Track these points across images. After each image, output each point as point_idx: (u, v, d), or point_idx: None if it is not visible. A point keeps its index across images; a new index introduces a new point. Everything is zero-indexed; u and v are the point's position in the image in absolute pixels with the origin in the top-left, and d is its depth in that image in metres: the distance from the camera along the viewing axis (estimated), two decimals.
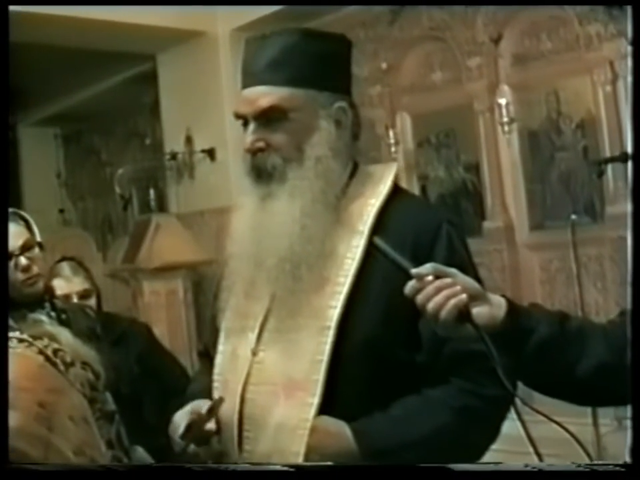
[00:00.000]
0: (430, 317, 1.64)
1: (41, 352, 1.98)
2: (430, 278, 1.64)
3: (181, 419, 2.08)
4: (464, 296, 1.63)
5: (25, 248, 2.81)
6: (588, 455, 1.65)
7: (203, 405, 2.07)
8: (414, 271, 1.65)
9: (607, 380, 1.70)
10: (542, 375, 1.72)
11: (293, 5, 5.71)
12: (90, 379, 2.06)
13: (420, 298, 1.64)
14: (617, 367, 1.68)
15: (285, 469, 1.44)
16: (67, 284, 3.54)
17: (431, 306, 1.63)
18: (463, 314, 1.63)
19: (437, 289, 1.63)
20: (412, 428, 1.97)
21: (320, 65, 2.09)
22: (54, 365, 1.98)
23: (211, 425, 2.02)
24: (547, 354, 1.68)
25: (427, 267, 1.66)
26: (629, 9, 1.79)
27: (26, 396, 1.84)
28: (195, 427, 2.02)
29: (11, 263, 2.76)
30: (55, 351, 2.00)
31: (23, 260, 2.78)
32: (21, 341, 2.00)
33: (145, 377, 3.02)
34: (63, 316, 2.89)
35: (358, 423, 1.96)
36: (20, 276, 2.78)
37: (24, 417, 1.80)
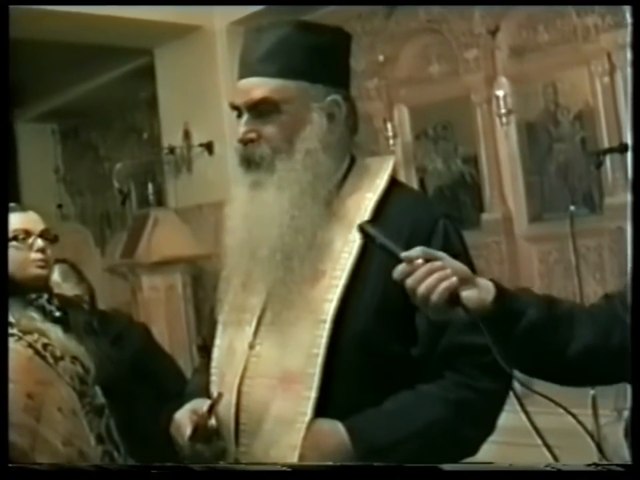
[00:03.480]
0: (420, 300, 1.64)
1: (30, 345, 1.99)
2: (420, 261, 1.65)
3: (182, 418, 2.09)
4: (454, 279, 1.64)
5: (43, 234, 2.91)
6: (598, 446, 1.66)
7: (203, 404, 2.08)
8: (404, 254, 1.66)
9: (596, 360, 1.72)
10: (532, 358, 1.73)
11: (286, 4, 5.70)
12: (79, 373, 2.07)
13: (410, 281, 1.64)
14: (604, 347, 1.70)
15: (284, 469, 1.44)
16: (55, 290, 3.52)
17: (421, 289, 1.63)
18: (452, 297, 1.64)
19: (428, 272, 1.64)
20: (406, 423, 1.97)
21: (312, 57, 2.09)
22: (43, 358, 1.99)
23: (212, 422, 2.03)
24: (536, 336, 1.69)
25: (417, 250, 1.66)
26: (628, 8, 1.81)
27: (15, 387, 1.85)
28: (200, 428, 2.03)
29: (29, 241, 2.86)
30: (45, 345, 2.01)
31: (40, 241, 2.87)
32: (10, 335, 2.01)
33: (139, 379, 3.01)
34: (60, 311, 2.91)
35: (351, 420, 1.96)
36: (34, 255, 2.85)
37: (12, 408, 1.81)
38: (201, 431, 2.02)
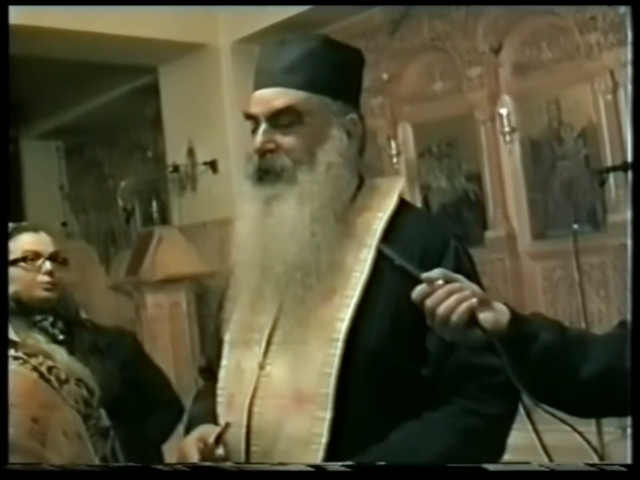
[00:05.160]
0: (439, 321, 1.64)
1: (35, 369, 1.97)
2: (440, 282, 1.65)
3: (189, 446, 2.03)
4: (474, 300, 1.64)
5: (53, 257, 2.92)
6: (600, 458, 1.64)
7: (210, 431, 2.03)
8: (425, 275, 1.66)
9: (608, 389, 1.71)
10: (545, 383, 1.71)
11: (302, 4, 5.71)
12: (84, 396, 2.05)
13: (430, 302, 1.64)
14: (618, 375, 1.68)
15: (308, 469, 1.43)
16: None
17: (441, 310, 1.63)
18: (470, 318, 1.64)
19: (448, 293, 1.64)
20: (415, 454, 1.93)
21: (336, 74, 2.07)
22: (48, 381, 1.97)
23: (220, 452, 1.99)
24: (550, 361, 1.68)
25: (437, 272, 1.67)
26: (628, 9, 1.81)
27: (19, 412, 1.83)
28: (207, 459, 1.97)
29: (38, 263, 2.87)
30: (50, 368, 2.00)
31: (48, 264, 2.88)
32: (15, 358, 2.00)
33: (126, 389, 3.00)
34: (63, 334, 2.91)
35: (358, 457, 1.88)
36: (41, 278, 2.86)
37: (17, 432, 1.80)
38: (209, 462, 1.96)
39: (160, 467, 1.50)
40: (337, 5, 5.89)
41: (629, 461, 1.46)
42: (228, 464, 1.90)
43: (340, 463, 1.81)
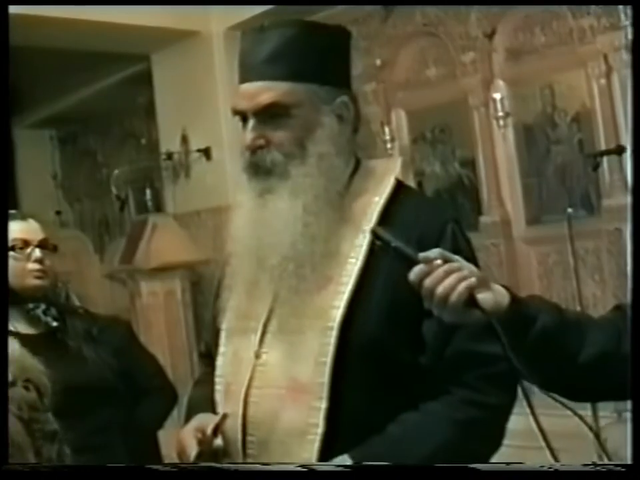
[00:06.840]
0: (438, 301, 1.62)
1: None
2: (439, 262, 1.63)
3: (187, 437, 2.02)
4: (473, 279, 1.63)
5: (42, 244, 2.91)
6: (602, 448, 1.65)
7: (207, 421, 2.02)
8: (422, 255, 1.64)
9: (606, 372, 1.71)
10: (543, 366, 1.71)
11: (284, 4, 5.69)
12: (30, 400, 1.97)
13: (428, 282, 1.62)
14: (614, 359, 1.68)
15: (299, 469, 1.43)
16: None
17: (440, 289, 1.61)
18: (469, 299, 1.62)
19: (447, 272, 1.62)
20: (413, 448, 1.90)
21: (320, 58, 2.03)
22: None
23: (218, 442, 1.98)
24: (549, 343, 1.67)
25: (435, 252, 1.65)
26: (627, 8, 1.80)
27: None
28: (205, 449, 1.97)
29: (27, 251, 2.87)
30: None
31: (38, 252, 2.88)
32: None
33: (119, 375, 3.00)
34: (56, 321, 2.90)
35: (357, 451, 1.89)
36: (31, 266, 2.85)
37: None
38: (206, 453, 1.96)
39: (158, 467, 1.49)
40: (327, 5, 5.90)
41: (628, 454, 1.46)
42: (225, 465, 1.89)
43: (331, 463, 1.83)
